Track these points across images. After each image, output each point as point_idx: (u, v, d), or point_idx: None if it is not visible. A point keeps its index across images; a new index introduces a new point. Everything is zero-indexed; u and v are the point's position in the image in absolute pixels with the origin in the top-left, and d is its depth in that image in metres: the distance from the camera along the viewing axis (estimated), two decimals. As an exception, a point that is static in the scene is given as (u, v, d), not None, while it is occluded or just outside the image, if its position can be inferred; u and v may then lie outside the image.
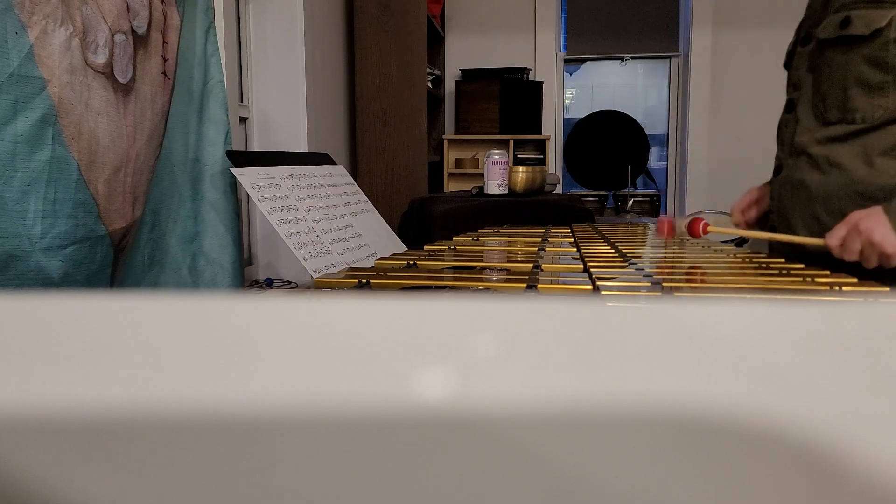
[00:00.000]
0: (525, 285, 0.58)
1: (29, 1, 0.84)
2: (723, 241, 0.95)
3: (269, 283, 1.84)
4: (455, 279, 0.67)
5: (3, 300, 0.15)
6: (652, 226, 1.35)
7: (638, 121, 3.49)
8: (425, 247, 0.92)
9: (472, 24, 3.32)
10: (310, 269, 1.27)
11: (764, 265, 0.76)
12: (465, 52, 3.32)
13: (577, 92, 4.39)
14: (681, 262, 0.83)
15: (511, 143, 3.00)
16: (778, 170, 1.06)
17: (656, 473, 0.12)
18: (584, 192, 3.48)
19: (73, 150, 0.93)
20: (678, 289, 0.60)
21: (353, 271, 0.69)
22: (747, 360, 0.13)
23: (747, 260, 0.81)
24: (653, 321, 0.15)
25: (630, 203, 3.23)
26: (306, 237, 1.33)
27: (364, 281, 0.61)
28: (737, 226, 1.13)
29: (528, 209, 2.11)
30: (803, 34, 1.04)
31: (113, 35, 1.00)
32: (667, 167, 3.48)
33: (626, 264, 0.73)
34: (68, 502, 0.11)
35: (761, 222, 1.12)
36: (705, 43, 3.16)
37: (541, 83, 3.11)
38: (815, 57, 1.00)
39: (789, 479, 0.12)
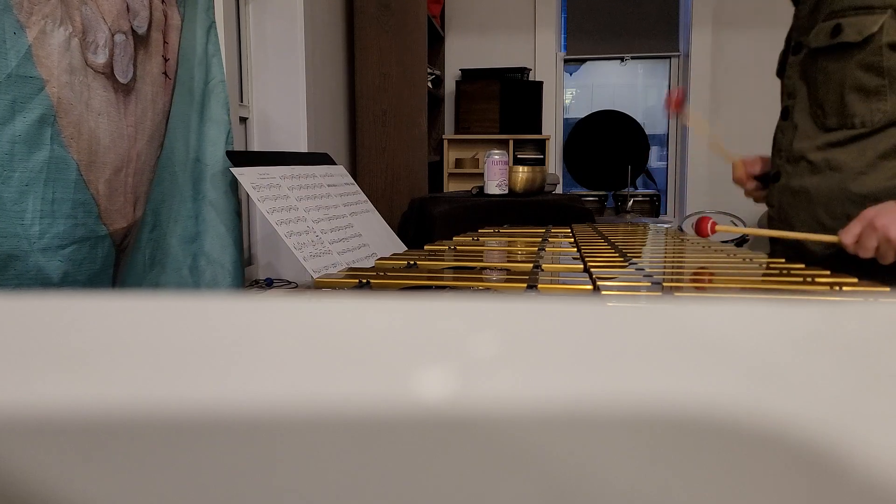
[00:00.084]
0: (525, 285, 0.58)
1: (28, 1, 0.84)
2: (723, 241, 0.95)
3: (269, 283, 1.84)
4: (455, 279, 0.67)
5: (3, 300, 0.15)
6: (653, 226, 1.35)
7: (638, 121, 3.49)
8: (425, 247, 0.92)
9: (472, 24, 3.32)
10: (310, 269, 1.27)
11: (764, 265, 0.76)
12: (465, 52, 3.32)
13: (577, 92, 4.39)
14: (681, 261, 0.83)
15: (511, 143, 3.00)
16: (776, 176, 1.05)
17: (656, 473, 0.12)
18: (584, 192, 3.48)
19: (72, 150, 0.93)
20: (678, 289, 0.60)
21: (353, 271, 0.69)
22: (747, 360, 0.13)
23: (747, 260, 0.81)
24: (653, 321, 0.15)
25: (630, 203, 3.23)
26: (306, 237, 1.33)
27: (364, 281, 0.61)
28: (739, 181, 1.13)
29: (528, 209, 2.11)
30: (793, 43, 1.04)
31: (113, 35, 1.00)
32: (667, 167, 3.48)
33: (626, 264, 0.73)
34: (68, 502, 0.11)
35: (762, 180, 1.11)
36: (705, 43, 3.16)
37: (541, 83, 3.11)
38: (807, 65, 0.99)
39: (789, 479, 0.12)
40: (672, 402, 0.12)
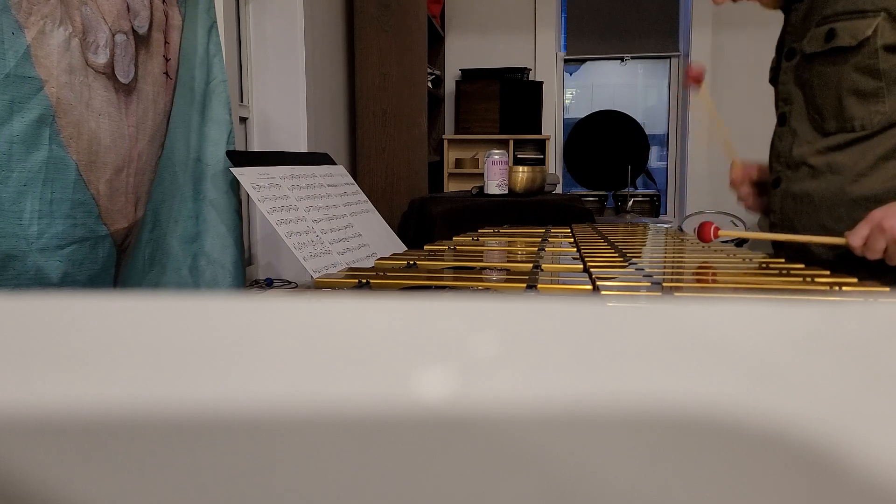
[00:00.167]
0: (525, 285, 0.58)
1: (27, 1, 0.84)
2: (722, 242, 0.95)
3: (269, 283, 1.84)
4: (455, 279, 0.67)
5: (3, 300, 0.15)
6: (652, 226, 1.35)
7: (638, 121, 3.49)
8: (425, 247, 0.92)
9: (472, 24, 3.32)
10: (310, 269, 1.27)
11: (764, 265, 0.76)
12: (465, 52, 3.32)
13: (577, 92, 4.39)
14: (681, 261, 0.83)
15: (511, 143, 3.00)
16: (776, 182, 1.05)
17: (656, 473, 0.12)
18: (584, 192, 3.48)
19: (71, 150, 0.93)
20: (678, 289, 0.60)
21: (353, 271, 0.69)
22: (747, 360, 0.13)
23: (747, 260, 0.81)
24: (653, 321, 0.15)
25: (630, 203, 3.23)
26: (306, 237, 1.33)
27: (364, 281, 0.61)
28: (734, 183, 1.13)
29: (528, 209, 2.11)
30: (786, 49, 1.03)
31: (113, 35, 1.00)
32: (667, 167, 3.48)
33: (625, 264, 0.73)
34: (68, 502, 0.11)
35: (759, 187, 1.11)
36: (705, 43, 3.16)
37: (541, 83, 3.11)
38: (802, 70, 0.99)
39: (789, 479, 0.12)
40: (672, 402, 0.12)
